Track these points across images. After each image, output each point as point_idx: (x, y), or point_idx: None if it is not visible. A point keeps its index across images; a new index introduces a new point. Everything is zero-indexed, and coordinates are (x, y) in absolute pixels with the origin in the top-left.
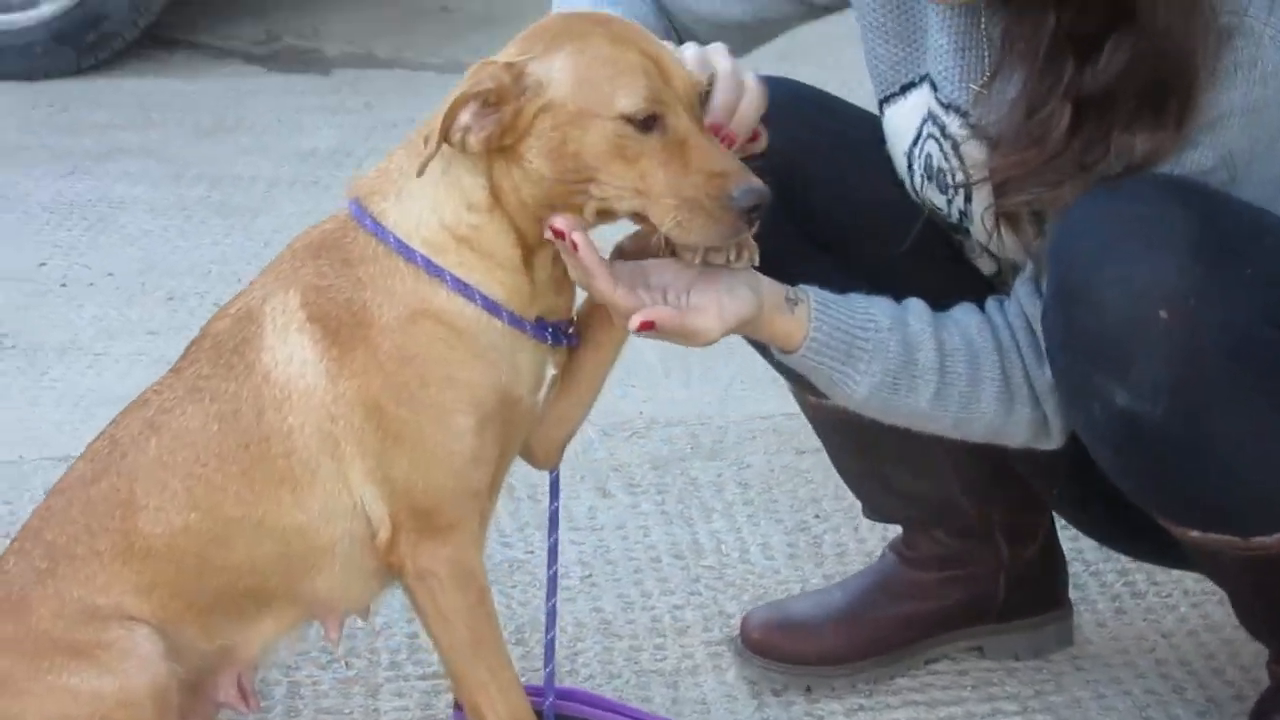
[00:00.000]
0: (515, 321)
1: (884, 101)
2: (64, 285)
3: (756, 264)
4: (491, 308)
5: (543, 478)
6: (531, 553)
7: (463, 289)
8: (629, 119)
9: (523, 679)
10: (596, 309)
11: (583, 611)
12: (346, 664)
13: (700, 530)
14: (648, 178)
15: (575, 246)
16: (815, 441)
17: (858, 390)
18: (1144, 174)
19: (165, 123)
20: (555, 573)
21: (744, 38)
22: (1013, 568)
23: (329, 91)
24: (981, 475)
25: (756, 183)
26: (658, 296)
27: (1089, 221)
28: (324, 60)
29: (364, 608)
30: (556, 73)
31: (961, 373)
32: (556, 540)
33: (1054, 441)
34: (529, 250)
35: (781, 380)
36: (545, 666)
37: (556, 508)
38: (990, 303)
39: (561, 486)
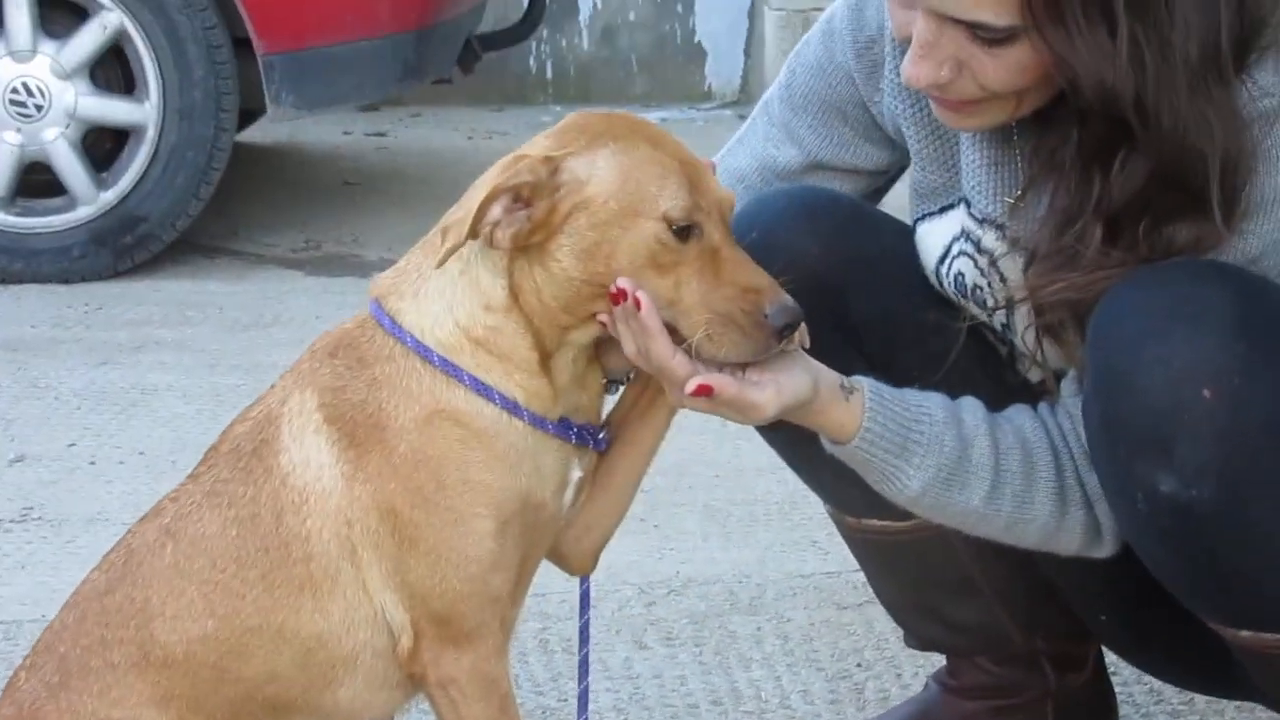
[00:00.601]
0: (537, 421)
1: (918, 220)
2: (93, 463)
3: (807, 346)
4: (511, 407)
5: (576, 630)
6: (564, 700)
7: (481, 389)
8: (670, 223)
9: None
10: (631, 411)
11: None
12: None
13: (739, 679)
14: (681, 288)
15: (639, 305)
16: (856, 597)
17: (910, 485)
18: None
19: (202, 320)
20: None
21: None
22: (1061, 697)
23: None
24: (1027, 602)
25: (790, 301)
26: (713, 370)
27: (1126, 305)
28: (364, 264)
29: (387, 718)
30: (599, 170)
31: (1016, 470)
32: (588, 589)
33: (1106, 549)
34: (546, 354)
35: (819, 540)
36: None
37: (587, 590)
38: (1042, 406)
39: (596, 639)
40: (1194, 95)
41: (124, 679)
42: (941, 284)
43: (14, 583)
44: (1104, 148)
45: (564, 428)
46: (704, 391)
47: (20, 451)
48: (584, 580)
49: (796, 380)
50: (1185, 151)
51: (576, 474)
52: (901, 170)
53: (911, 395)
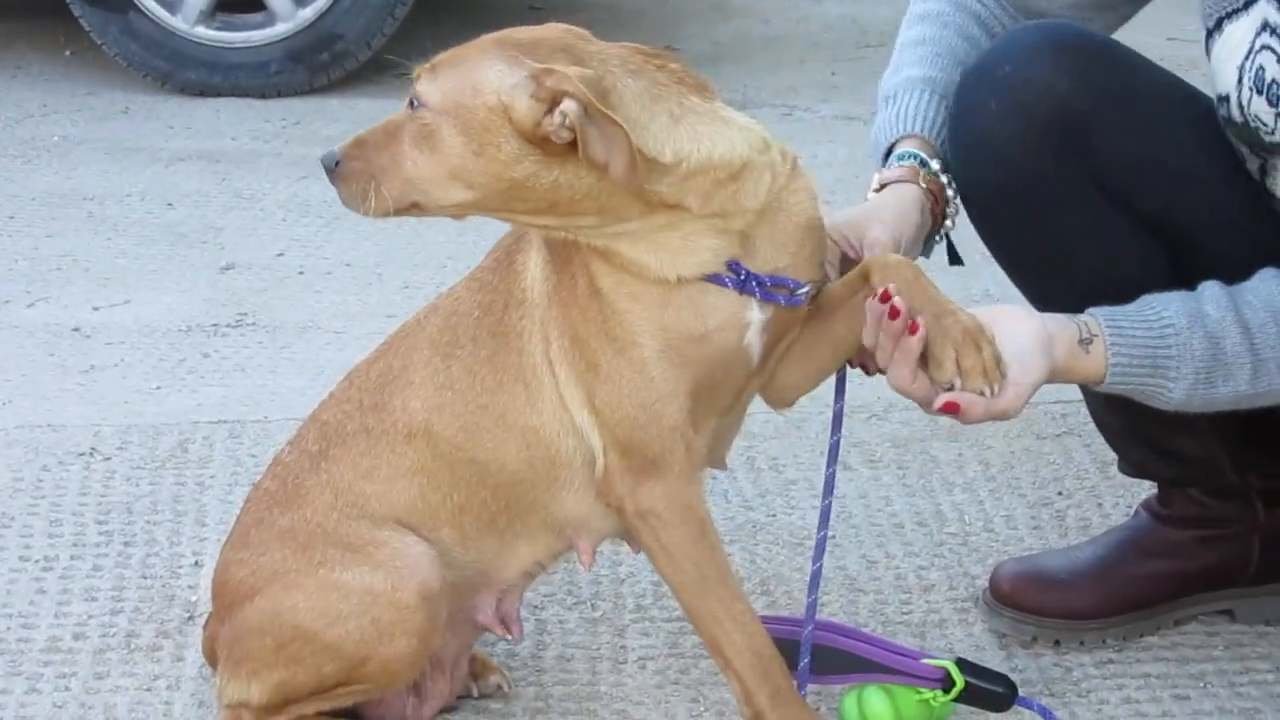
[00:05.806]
0: None
1: (1223, 19)
2: (301, 273)
3: (1007, 375)
4: None
5: (782, 449)
6: (773, 516)
7: None
8: None
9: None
10: (853, 296)
11: (826, 569)
12: (592, 605)
13: (943, 501)
14: None
15: (914, 331)
16: (1055, 428)
17: (1174, 396)
18: None
19: None
20: (829, 505)
21: (1102, 18)
22: (1268, 531)
23: None
24: (1243, 438)
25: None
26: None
27: None
28: None
29: (619, 534)
30: None
31: (1273, 344)
32: (834, 474)
33: None
34: None
35: None
36: (809, 595)
37: (838, 440)
38: None
39: (801, 460)
40: None
41: (375, 447)
42: (1241, 80)
43: (234, 385)
44: None
45: (718, 276)
46: (950, 409)
47: (230, 260)
48: (838, 399)
49: (1034, 370)
50: None
51: (756, 315)
52: None
53: (1149, 309)
